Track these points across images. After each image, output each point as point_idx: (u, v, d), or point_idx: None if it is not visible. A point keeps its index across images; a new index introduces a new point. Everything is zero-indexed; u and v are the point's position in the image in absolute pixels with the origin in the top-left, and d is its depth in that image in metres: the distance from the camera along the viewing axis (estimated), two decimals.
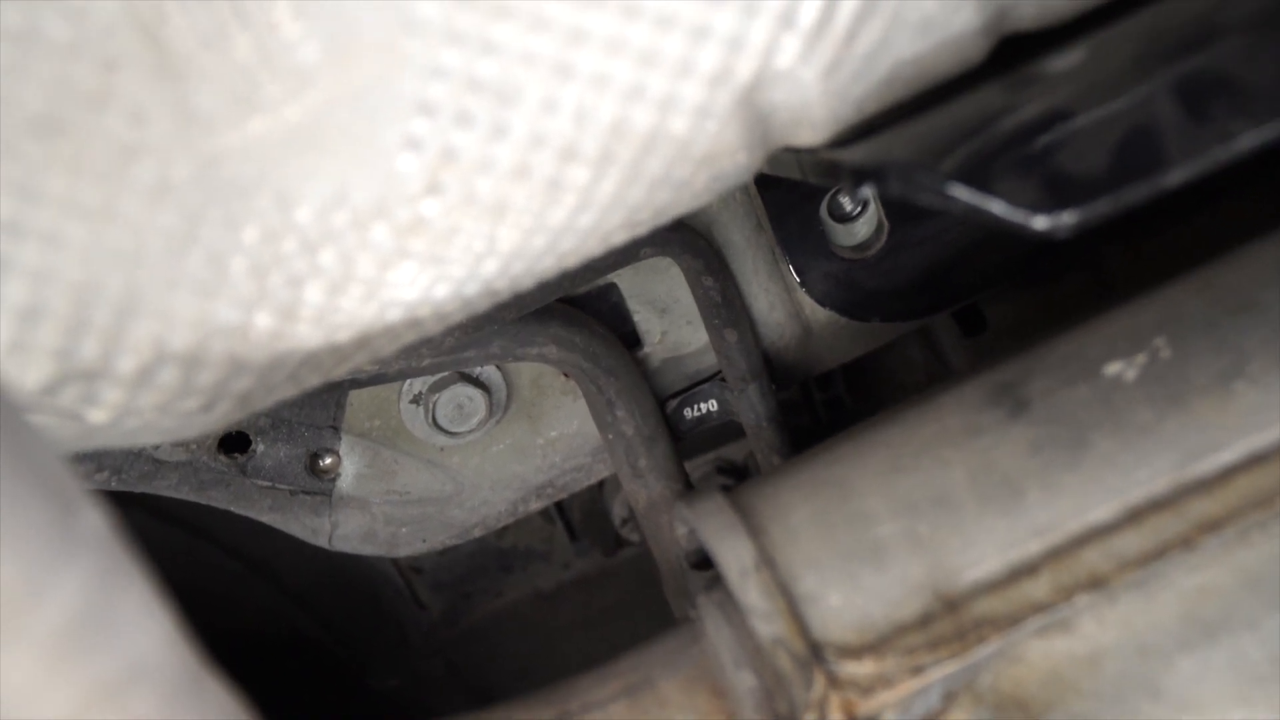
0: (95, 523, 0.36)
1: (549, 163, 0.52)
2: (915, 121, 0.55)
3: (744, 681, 0.54)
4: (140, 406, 0.51)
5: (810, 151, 0.59)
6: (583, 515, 1.18)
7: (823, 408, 1.14)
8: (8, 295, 0.47)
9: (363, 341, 0.55)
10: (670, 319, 0.89)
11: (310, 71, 0.49)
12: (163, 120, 0.48)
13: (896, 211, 0.88)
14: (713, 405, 0.92)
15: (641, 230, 0.57)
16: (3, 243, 0.47)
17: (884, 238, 0.88)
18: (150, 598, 0.38)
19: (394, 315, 0.54)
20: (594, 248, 0.56)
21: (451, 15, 0.49)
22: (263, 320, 0.52)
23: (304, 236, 0.51)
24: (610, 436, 0.87)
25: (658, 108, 0.52)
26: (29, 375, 0.49)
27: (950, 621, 0.52)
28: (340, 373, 0.57)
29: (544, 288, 0.73)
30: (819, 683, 0.52)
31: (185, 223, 0.49)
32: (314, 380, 0.56)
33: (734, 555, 0.55)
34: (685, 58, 0.52)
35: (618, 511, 1.16)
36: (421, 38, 0.49)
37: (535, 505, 0.95)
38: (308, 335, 0.53)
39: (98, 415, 0.51)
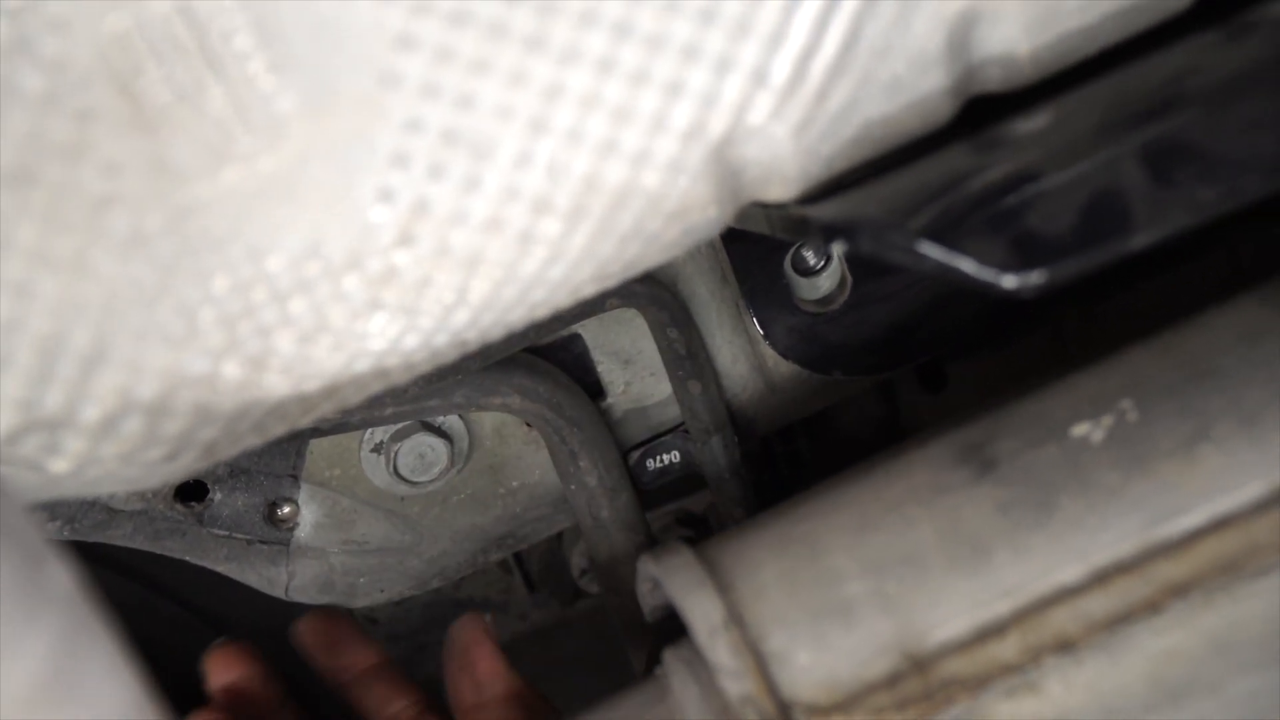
0: (62, 579, 0.36)
1: (521, 215, 0.52)
2: (884, 180, 0.56)
3: None
4: (103, 456, 0.51)
5: (779, 207, 0.59)
6: (541, 566, 1.17)
7: (783, 461, 1.14)
8: None
9: (330, 391, 0.54)
10: (634, 370, 0.89)
11: (285, 123, 0.49)
12: (136, 171, 0.47)
13: (860, 267, 0.88)
14: (675, 457, 0.92)
15: (611, 282, 0.57)
16: None
17: (847, 292, 0.89)
18: (116, 656, 0.37)
19: (362, 365, 0.54)
20: (564, 299, 0.56)
21: (430, 70, 0.49)
22: (231, 370, 0.51)
23: (275, 286, 0.51)
24: (573, 487, 0.87)
25: (630, 162, 0.52)
26: None
27: (918, 681, 0.52)
28: (306, 422, 0.56)
29: (509, 338, 0.73)
30: None
31: (156, 274, 0.49)
32: (280, 429, 0.56)
33: (702, 612, 0.55)
34: (659, 113, 0.52)
35: (576, 563, 1.16)
36: (399, 92, 0.49)
37: (495, 556, 0.95)
38: (276, 385, 0.52)
39: (60, 465, 0.50)
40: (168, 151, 0.48)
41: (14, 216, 0.46)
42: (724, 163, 0.54)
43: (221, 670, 0.77)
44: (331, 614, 0.81)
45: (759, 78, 0.52)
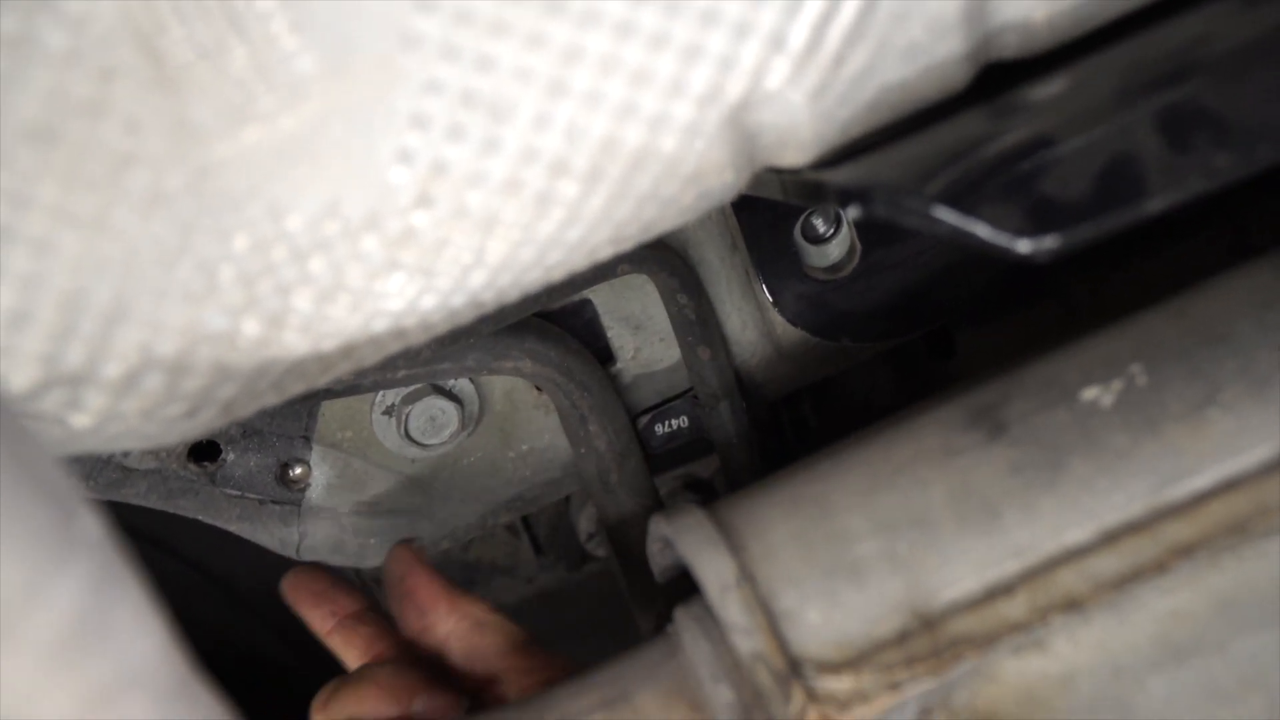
0: (92, 526, 0.37)
1: (539, 177, 0.53)
2: (899, 145, 0.56)
3: (722, 696, 0.55)
4: (124, 412, 0.51)
5: (793, 172, 0.60)
6: (548, 530, 1.18)
7: (788, 427, 1.15)
8: None
9: (348, 351, 0.55)
10: (643, 336, 0.90)
11: (306, 83, 0.49)
12: (158, 130, 0.48)
13: (869, 234, 0.89)
14: (684, 422, 0.93)
15: (627, 246, 0.58)
16: None
17: (856, 260, 0.89)
18: (144, 603, 0.38)
19: (380, 325, 0.54)
20: (580, 262, 0.57)
21: (449, 32, 0.49)
22: (250, 328, 0.52)
23: (294, 245, 0.51)
24: (582, 451, 0.88)
25: (648, 126, 0.53)
26: (14, 379, 0.49)
27: (927, 639, 0.53)
28: (324, 381, 0.57)
29: (523, 301, 0.74)
30: (798, 698, 0.52)
31: (177, 232, 0.49)
32: (298, 388, 0.56)
33: (715, 571, 0.56)
34: (677, 77, 0.52)
35: (584, 526, 1.16)
36: (418, 53, 0.49)
37: (504, 518, 0.96)
38: (294, 343, 0.53)
39: (81, 420, 0.51)
40: (189, 110, 0.48)
41: (36, 173, 0.47)
42: (740, 127, 0.54)
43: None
44: (313, 568, 0.82)
45: (777, 42, 0.52)
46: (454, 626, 0.76)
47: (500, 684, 0.74)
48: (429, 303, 0.54)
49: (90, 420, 0.51)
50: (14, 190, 0.46)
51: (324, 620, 0.80)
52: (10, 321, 0.48)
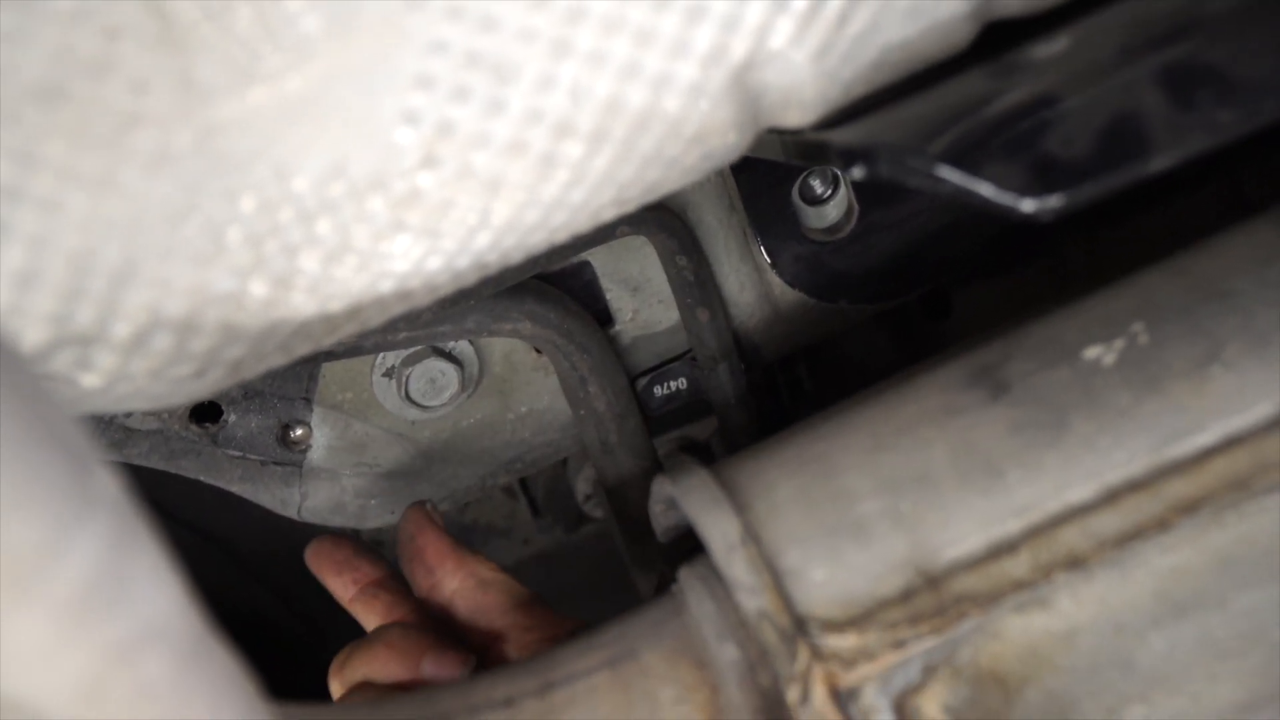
0: (108, 484, 0.37)
1: (544, 138, 0.53)
2: (902, 105, 0.56)
3: (727, 654, 0.55)
4: (133, 372, 0.52)
5: (795, 133, 0.60)
6: (545, 492, 1.18)
7: (784, 389, 1.15)
8: (5, 260, 0.47)
9: (354, 312, 0.55)
10: (642, 297, 0.90)
11: (311, 43, 0.49)
12: (164, 89, 0.48)
13: (867, 195, 0.89)
14: (682, 383, 0.93)
15: (630, 207, 0.58)
16: (2, 209, 0.47)
17: (854, 221, 0.89)
18: (161, 561, 0.38)
19: (386, 286, 0.54)
20: (584, 223, 0.57)
21: None
22: (258, 288, 0.52)
23: (301, 206, 0.51)
24: (582, 413, 0.88)
25: (652, 86, 0.53)
26: (24, 339, 0.49)
27: (931, 597, 0.53)
28: (329, 343, 0.57)
29: (522, 264, 0.74)
30: (803, 655, 0.53)
31: (183, 192, 0.49)
32: (304, 349, 0.56)
33: (720, 530, 0.56)
34: (681, 37, 0.52)
35: (580, 488, 1.17)
36: (423, 12, 0.49)
37: (503, 480, 0.96)
38: (301, 304, 0.53)
39: (91, 380, 0.51)
40: (195, 70, 0.48)
41: (43, 132, 0.47)
42: (744, 87, 0.54)
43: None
44: (336, 537, 0.83)
45: (781, 2, 0.52)
46: (459, 585, 0.77)
47: (504, 641, 0.75)
48: (434, 264, 0.54)
49: (100, 380, 0.51)
50: (21, 149, 0.46)
51: (346, 588, 0.82)
52: (20, 281, 0.48)
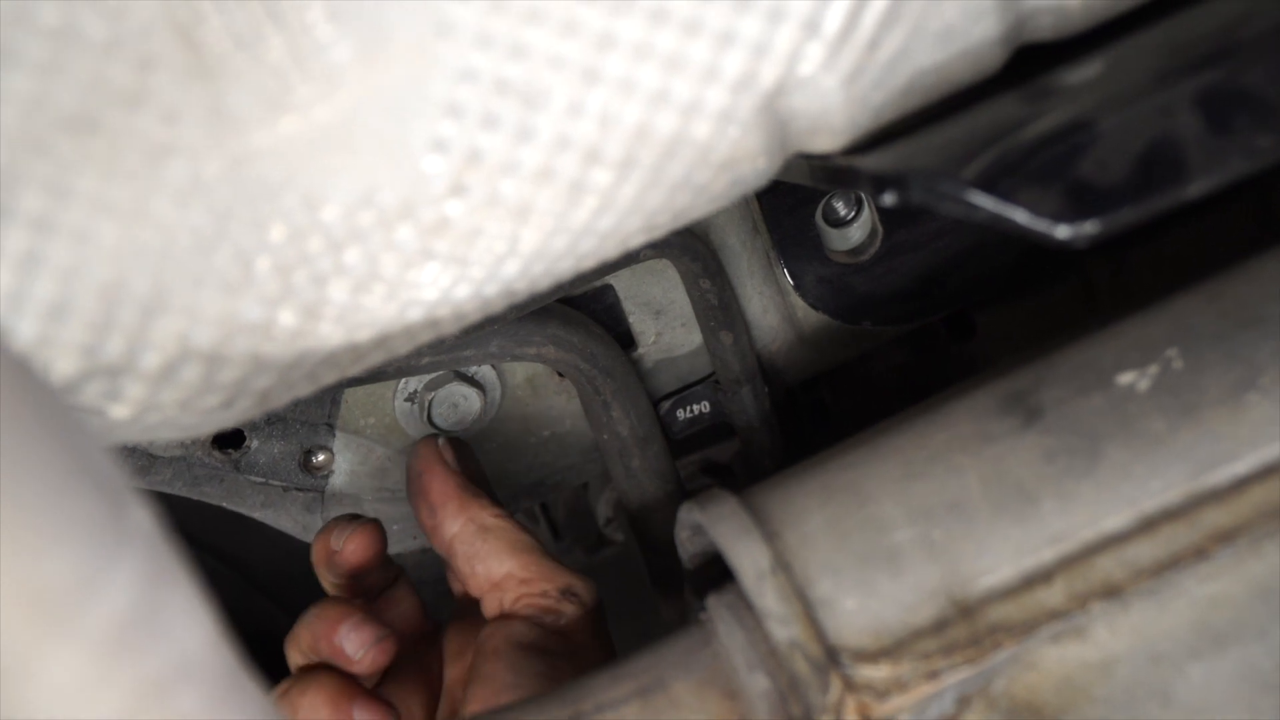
0: (143, 518, 0.36)
1: (572, 165, 0.53)
2: (932, 130, 0.56)
3: (757, 684, 0.55)
4: (162, 402, 0.51)
5: (823, 158, 0.59)
6: (566, 514, 1.18)
7: (806, 411, 1.15)
8: (36, 291, 0.47)
9: (382, 340, 0.55)
10: (665, 321, 0.90)
11: (341, 72, 0.49)
12: (195, 120, 0.48)
13: (891, 217, 0.88)
14: (705, 406, 0.93)
15: (659, 234, 0.57)
16: (34, 240, 0.47)
17: (877, 243, 0.89)
18: (195, 595, 0.38)
19: (414, 315, 0.54)
20: (612, 250, 0.57)
21: (483, 19, 0.49)
22: (286, 318, 0.52)
23: (330, 235, 0.51)
24: (605, 436, 0.88)
25: (681, 112, 0.53)
26: (54, 370, 0.49)
27: (965, 627, 0.53)
28: (356, 371, 0.57)
29: (548, 289, 0.74)
30: (835, 686, 0.52)
31: (214, 222, 0.49)
32: (331, 378, 0.56)
33: (750, 558, 0.55)
34: (710, 63, 0.52)
35: (601, 511, 1.17)
36: (453, 40, 0.49)
37: (524, 504, 0.96)
38: (329, 334, 0.53)
39: (120, 411, 0.51)
40: (226, 100, 0.48)
41: (75, 163, 0.47)
42: (774, 113, 0.54)
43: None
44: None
45: (811, 27, 0.52)
46: (459, 530, 0.77)
47: (501, 591, 0.76)
48: (463, 292, 0.54)
49: (129, 411, 0.51)
50: (54, 180, 0.46)
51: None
52: (51, 312, 0.48)
